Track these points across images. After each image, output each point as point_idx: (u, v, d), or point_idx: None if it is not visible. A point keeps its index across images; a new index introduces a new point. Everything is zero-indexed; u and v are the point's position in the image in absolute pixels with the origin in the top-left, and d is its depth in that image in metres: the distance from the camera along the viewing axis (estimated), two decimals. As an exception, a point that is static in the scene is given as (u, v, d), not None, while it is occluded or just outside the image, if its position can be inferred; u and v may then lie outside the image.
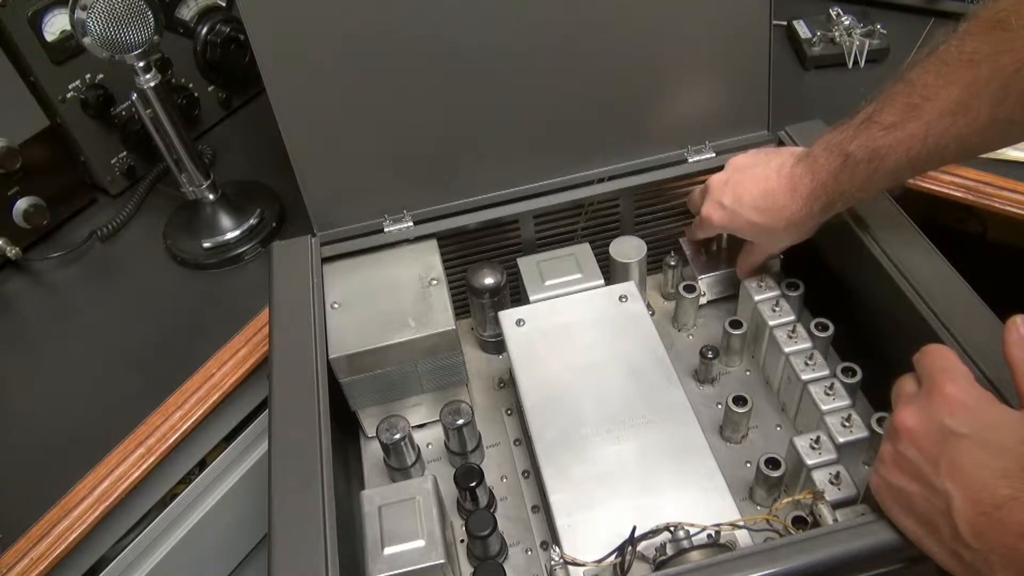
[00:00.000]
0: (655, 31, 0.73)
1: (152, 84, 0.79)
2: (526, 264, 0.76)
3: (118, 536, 0.75)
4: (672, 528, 0.53)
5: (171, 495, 0.79)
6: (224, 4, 1.00)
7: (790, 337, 0.69)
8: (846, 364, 0.67)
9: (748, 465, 0.68)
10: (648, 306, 0.74)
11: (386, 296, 0.70)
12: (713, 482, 0.56)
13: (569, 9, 0.70)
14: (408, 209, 0.76)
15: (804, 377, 0.66)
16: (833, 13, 1.03)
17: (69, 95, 0.90)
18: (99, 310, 0.87)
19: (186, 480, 0.79)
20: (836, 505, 0.57)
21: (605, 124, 0.76)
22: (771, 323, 0.70)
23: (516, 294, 0.78)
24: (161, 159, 0.89)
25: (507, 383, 0.78)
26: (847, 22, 1.02)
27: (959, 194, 0.82)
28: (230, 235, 0.89)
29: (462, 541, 0.65)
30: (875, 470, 0.49)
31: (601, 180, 0.78)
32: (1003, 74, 0.50)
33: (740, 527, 0.54)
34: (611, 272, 0.77)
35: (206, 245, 0.89)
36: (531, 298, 0.73)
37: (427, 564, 0.55)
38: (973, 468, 0.43)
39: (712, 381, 0.74)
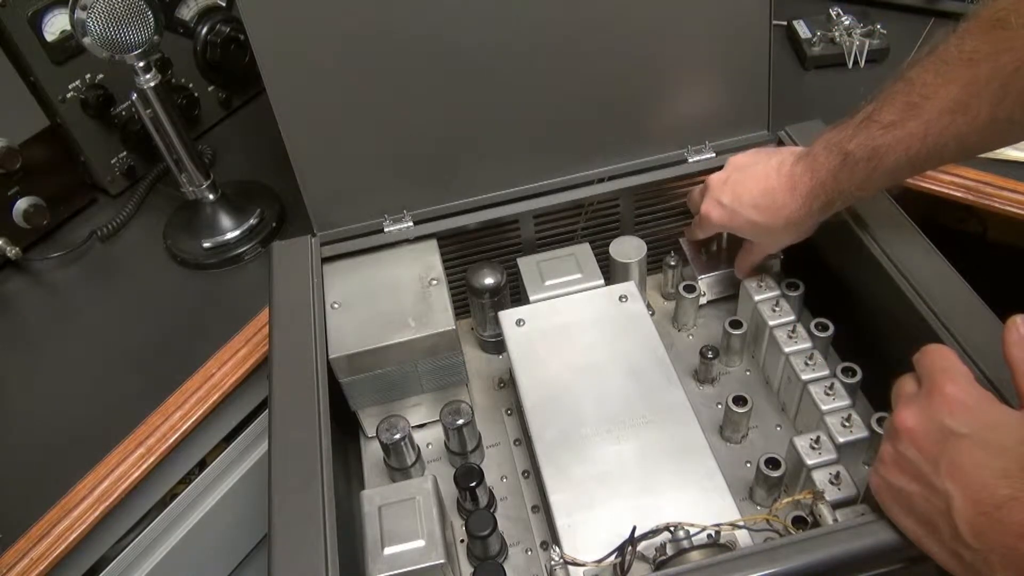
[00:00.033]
0: (655, 31, 0.73)
1: (152, 84, 0.79)
2: (526, 264, 0.76)
3: (118, 536, 0.75)
4: (672, 528, 0.53)
5: (171, 495, 0.79)
6: (224, 4, 1.00)
7: (790, 337, 0.69)
8: (846, 364, 0.67)
9: (748, 465, 0.68)
10: (648, 306, 0.74)
11: (386, 296, 0.70)
12: (713, 482, 0.56)
13: (569, 9, 0.70)
14: (408, 209, 0.76)
15: (804, 377, 0.66)
16: (833, 13, 1.03)
17: (69, 95, 0.90)
18: (99, 310, 0.87)
19: (186, 480, 0.79)
20: (836, 505, 0.57)
21: (605, 124, 0.76)
22: (771, 323, 0.70)
23: (516, 294, 0.78)
24: (161, 159, 0.89)
25: (507, 383, 0.78)
26: (847, 22, 1.02)
27: (959, 194, 0.82)
28: (230, 235, 0.89)
29: (462, 541, 0.65)
30: (875, 470, 0.49)
31: (601, 180, 0.78)
32: (1003, 73, 0.50)
33: (740, 527, 0.54)
34: (611, 272, 0.77)
35: (206, 245, 0.89)
36: (531, 298, 0.73)
37: (427, 564, 0.55)
38: (973, 468, 0.43)
39: (712, 381, 0.74)
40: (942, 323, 0.59)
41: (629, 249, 0.76)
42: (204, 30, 0.98)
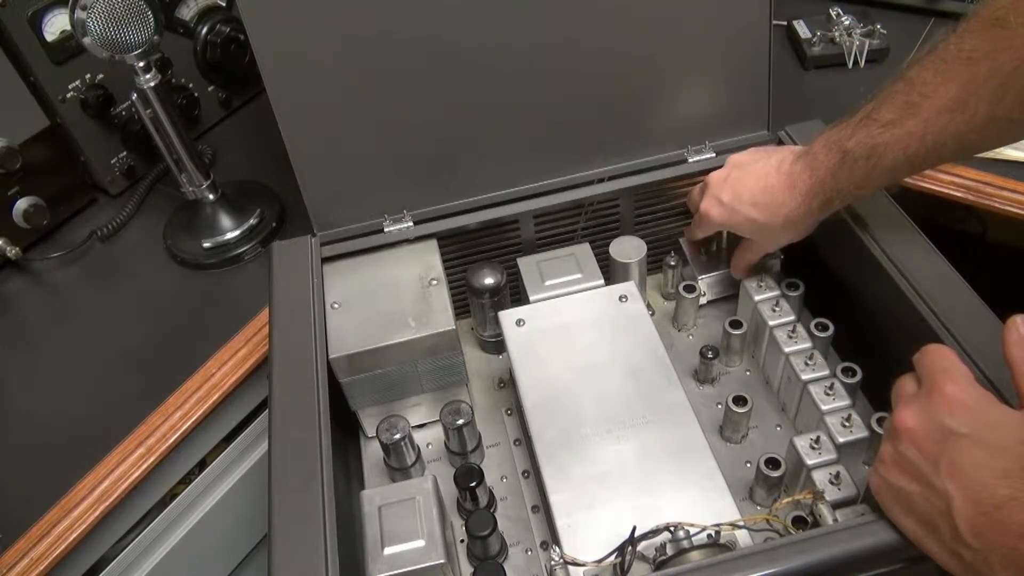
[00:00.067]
0: (655, 31, 0.73)
1: (152, 84, 0.79)
2: (526, 264, 0.76)
3: (118, 536, 0.75)
4: (672, 528, 0.53)
5: (171, 495, 0.79)
6: (224, 4, 1.00)
7: (790, 337, 0.69)
8: (846, 364, 0.67)
9: (748, 465, 0.68)
10: (648, 306, 0.74)
11: (386, 296, 0.70)
12: (713, 482, 0.56)
13: (569, 9, 0.70)
14: (408, 209, 0.76)
15: (804, 377, 0.66)
16: (833, 13, 1.03)
17: (69, 95, 0.90)
18: (99, 310, 0.87)
19: (186, 480, 0.79)
20: (836, 505, 0.57)
21: (605, 124, 0.76)
22: (771, 323, 0.70)
23: (516, 294, 0.78)
24: (161, 159, 0.89)
25: (507, 383, 0.78)
26: (847, 22, 1.02)
27: (959, 194, 0.82)
28: (230, 235, 0.89)
29: (462, 541, 0.65)
30: (875, 470, 0.49)
31: (601, 180, 0.78)
32: (1001, 72, 0.50)
33: (740, 527, 0.54)
34: (611, 272, 0.77)
35: (206, 245, 0.89)
36: (531, 298, 0.73)
37: (427, 564, 0.55)
38: (973, 468, 0.43)
39: (712, 381, 0.74)
40: (942, 323, 0.59)
41: (629, 249, 0.76)
42: (204, 30, 0.98)
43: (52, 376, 0.80)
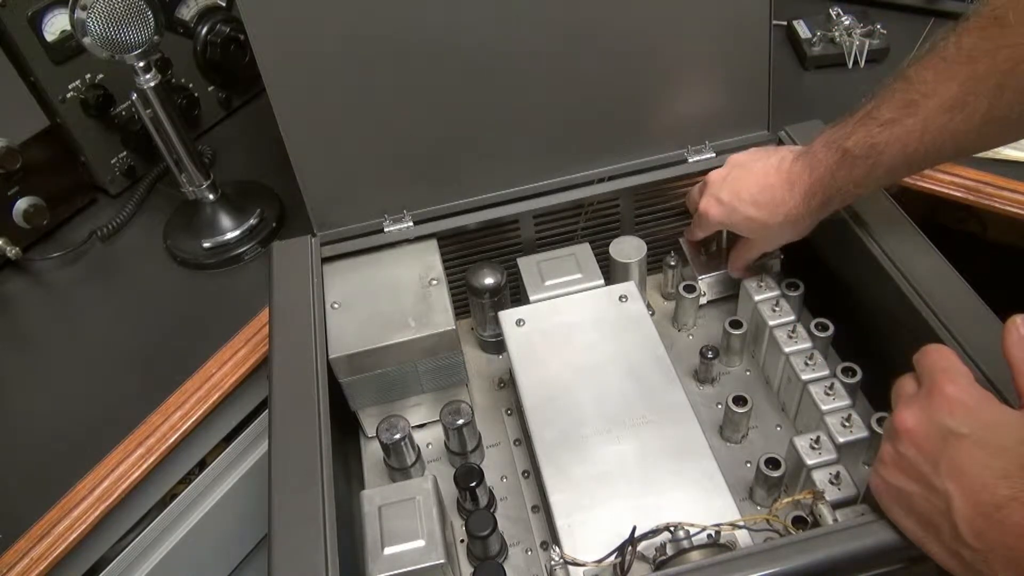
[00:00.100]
0: (655, 31, 0.72)
1: (152, 84, 0.79)
2: (526, 264, 0.76)
3: (118, 536, 0.75)
4: (672, 528, 0.53)
5: (171, 495, 0.79)
6: (224, 4, 1.00)
7: (790, 337, 0.69)
8: (846, 364, 0.67)
9: (748, 465, 0.68)
10: (648, 306, 0.74)
11: (386, 296, 0.70)
12: (713, 482, 0.56)
13: (569, 9, 0.70)
14: (408, 209, 0.76)
15: (804, 377, 0.66)
16: (833, 13, 1.03)
17: (69, 95, 0.90)
18: (99, 310, 0.87)
19: (186, 480, 0.79)
20: (836, 505, 0.57)
21: (605, 124, 0.76)
22: (771, 323, 0.70)
23: (516, 294, 0.78)
24: (161, 159, 0.89)
25: (507, 383, 0.78)
26: (847, 22, 1.02)
27: (959, 194, 0.82)
28: (230, 235, 0.89)
29: (462, 541, 0.65)
30: (875, 470, 0.49)
31: (601, 180, 0.78)
32: (1000, 70, 0.50)
33: (740, 527, 0.54)
34: (611, 272, 0.77)
35: (206, 245, 0.89)
36: (531, 298, 0.73)
37: (427, 564, 0.55)
38: (973, 468, 0.43)
39: (712, 381, 0.74)
40: (942, 323, 0.59)
41: (629, 249, 0.76)
42: (204, 30, 0.98)
43: (52, 376, 0.80)
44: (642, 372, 0.64)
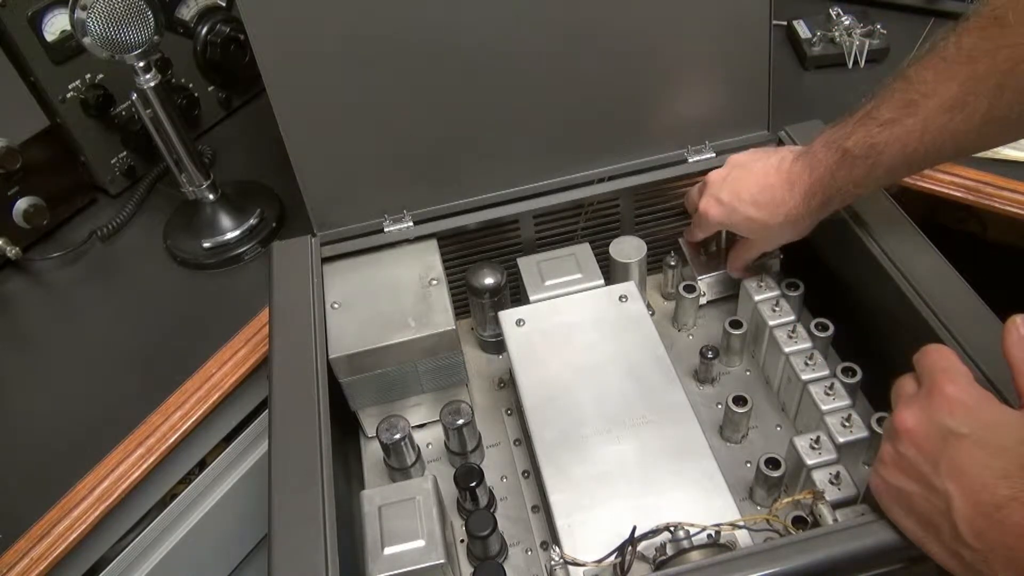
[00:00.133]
0: (655, 31, 0.72)
1: (152, 84, 0.79)
2: (526, 264, 0.76)
3: (118, 536, 0.75)
4: (672, 528, 0.53)
5: (171, 495, 0.79)
6: (224, 4, 1.00)
7: (790, 337, 0.69)
8: (846, 364, 0.67)
9: (748, 465, 0.68)
10: (648, 306, 0.74)
11: (386, 296, 0.70)
12: (713, 482, 0.56)
13: (569, 9, 0.70)
14: (408, 209, 0.76)
15: (804, 377, 0.66)
16: (833, 13, 1.03)
17: (69, 95, 0.90)
18: (99, 310, 0.87)
19: (186, 480, 0.79)
20: (836, 505, 0.57)
21: (605, 124, 0.76)
22: (771, 323, 0.70)
23: (516, 294, 0.78)
24: (161, 159, 0.89)
25: (507, 383, 0.78)
26: (847, 22, 1.02)
27: (959, 194, 0.82)
28: (230, 235, 0.89)
29: (462, 541, 0.65)
30: (875, 470, 0.49)
31: (601, 180, 0.78)
32: (1000, 70, 0.50)
33: (740, 527, 0.54)
34: (611, 272, 0.77)
35: (206, 245, 0.89)
36: (531, 298, 0.73)
37: (427, 564, 0.55)
38: (973, 468, 0.43)
39: (712, 381, 0.74)
40: (942, 323, 0.59)
41: (629, 249, 0.76)
42: (204, 30, 0.98)
43: (52, 376, 0.80)
44: (642, 372, 0.64)
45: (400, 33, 0.68)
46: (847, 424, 0.61)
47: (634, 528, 0.53)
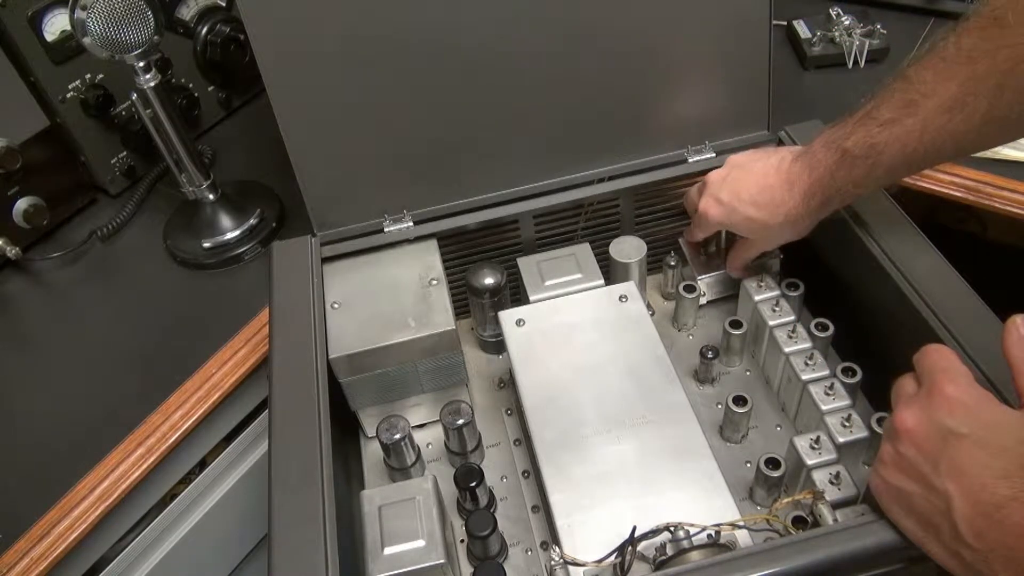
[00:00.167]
0: (655, 31, 0.73)
1: (152, 84, 0.79)
2: (526, 264, 0.76)
3: (118, 536, 0.75)
4: (672, 528, 0.53)
5: (171, 495, 0.79)
6: (224, 4, 1.00)
7: (790, 337, 0.69)
8: (846, 364, 0.67)
9: (748, 465, 0.68)
10: (648, 306, 0.74)
11: (386, 296, 0.70)
12: (713, 482, 0.56)
13: (569, 9, 0.70)
14: (408, 209, 0.76)
15: (804, 377, 0.65)
16: (833, 13, 1.03)
17: (69, 95, 0.90)
18: (99, 310, 0.87)
19: (186, 480, 0.79)
20: (836, 505, 0.57)
21: (605, 124, 0.76)
22: (771, 323, 0.70)
23: (516, 294, 0.78)
24: (161, 159, 0.89)
25: (507, 383, 0.78)
26: (847, 22, 1.02)
27: (959, 194, 0.82)
28: (230, 235, 0.89)
29: (462, 541, 0.65)
30: (875, 470, 0.49)
31: (601, 180, 0.78)
32: (999, 70, 0.51)
33: (740, 527, 0.54)
34: (611, 272, 0.77)
35: (206, 245, 0.89)
36: (531, 298, 0.73)
37: (427, 564, 0.55)
38: (973, 468, 0.43)
39: (712, 381, 0.74)
40: (942, 323, 0.59)
41: (629, 249, 0.76)
42: (204, 30, 0.98)
43: (52, 376, 0.80)
44: (642, 372, 0.64)
45: (400, 33, 0.68)
46: (847, 424, 0.61)
47: (634, 528, 0.53)
